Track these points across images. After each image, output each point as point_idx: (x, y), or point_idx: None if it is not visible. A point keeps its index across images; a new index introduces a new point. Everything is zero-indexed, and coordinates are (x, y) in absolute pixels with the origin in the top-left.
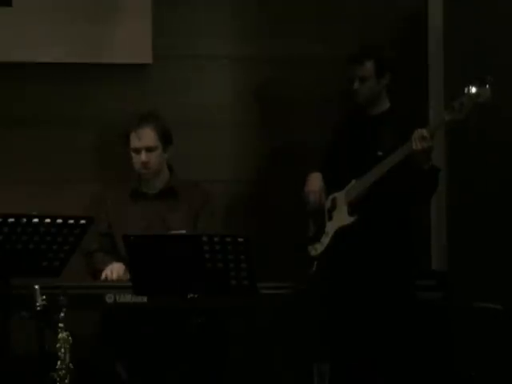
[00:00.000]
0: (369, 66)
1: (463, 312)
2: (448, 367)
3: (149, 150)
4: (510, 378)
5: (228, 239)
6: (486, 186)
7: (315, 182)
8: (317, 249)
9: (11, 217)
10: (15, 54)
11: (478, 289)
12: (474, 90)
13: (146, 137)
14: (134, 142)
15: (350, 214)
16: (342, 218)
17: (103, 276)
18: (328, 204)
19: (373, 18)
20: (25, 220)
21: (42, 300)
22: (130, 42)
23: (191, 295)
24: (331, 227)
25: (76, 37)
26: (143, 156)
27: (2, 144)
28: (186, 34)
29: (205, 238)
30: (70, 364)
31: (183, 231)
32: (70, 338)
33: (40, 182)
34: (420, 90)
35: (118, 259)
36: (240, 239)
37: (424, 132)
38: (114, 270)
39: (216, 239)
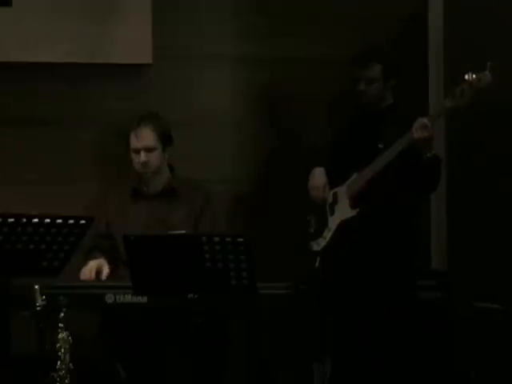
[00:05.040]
0: (377, 69)
1: (463, 312)
2: (448, 367)
3: (148, 150)
4: (510, 377)
5: (228, 239)
6: (486, 185)
7: (318, 177)
8: (319, 244)
9: (11, 217)
10: (15, 54)
11: (478, 289)
12: (474, 75)
13: (145, 137)
14: (134, 143)
15: (352, 206)
16: (344, 211)
17: (81, 278)
18: (329, 199)
19: (373, 19)
20: (25, 220)
21: (42, 300)
22: (130, 41)
23: (191, 295)
24: (333, 222)
25: (76, 37)
26: (142, 156)
27: (1, 144)
28: (186, 34)
29: (205, 238)
30: (70, 364)
31: (183, 231)
32: (69, 338)
33: (40, 181)
34: (420, 90)
35: (114, 259)
36: (240, 239)
37: (425, 120)
38: (93, 271)
39: (216, 239)
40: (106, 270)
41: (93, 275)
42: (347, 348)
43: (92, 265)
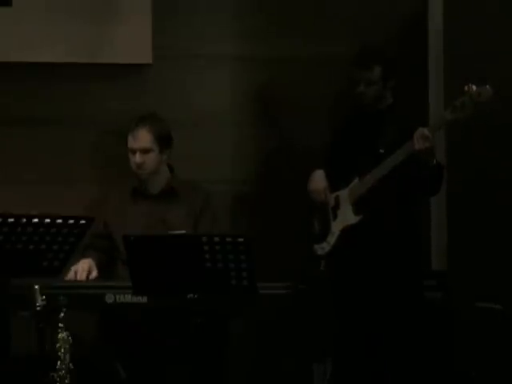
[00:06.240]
0: (377, 71)
1: (463, 312)
2: (448, 367)
3: (144, 151)
4: (509, 378)
5: (228, 239)
6: (486, 185)
7: (318, 180)
8: (324, 248)
9: (11, 217)
10: (15, 54)
11: (478, 289)
12: (474, 88)
13: (141, 138)
14: (130, 143)
15: (355, 213)
16: (346, 217)
17: (68, 276)
18: (332, 202)
19: (373, 19)
20: (25, 220)
21: (42, 300)
22: (130, 42)
23: (191, 295)
24: (336, 227)
25: (76, 37)
26: (137, 157)
27: (1, 144)
28: (186, 34)
29: (205, 238)
30: (70, 364)
31: (183, 231)
32: (69, 338)
33: (40, 181)
34: (420, 90)
35: (109, 258)
36: (240, 239)
37: (425, 131)
38: (79, 273)
39: (216, 239)
40: (94, 273)
41: (83, 277)
42: (349, 348)
43: (83, 266)
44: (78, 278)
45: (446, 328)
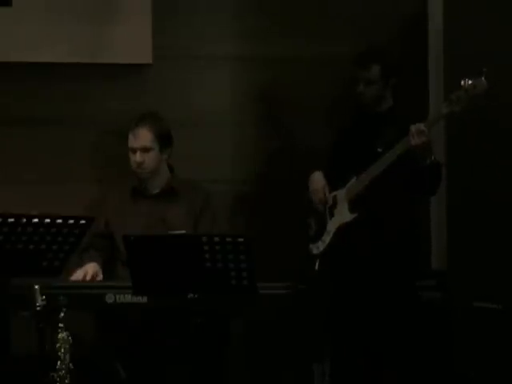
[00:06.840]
0: (376, 70)
1: (463, 312)
2: (447, 367)
3: (144, 150)
4: (509, 378)
5: (228, 239)
6: (486, 185)
7: (317, 180)
8: (319, 247)
9: (11, 217)
10: (15, 54)
11: (477, 289)
12: (470, 82)
13: (141, 137)
14: (131, 142)
15: (351, 211)
16: (343, 215)
17: (74, 278)
18: (329, 202)
19: (373, 19)
20: (25, 220)
21: (42, 300)
22: (130, 42)
23: (191, 295)
24: (332, 225)
25: (76, 37)
26: (138, 156)
27: (1, 144)
28: (186, 34)
29: (205, 238)
30: (70, 364)
31: (183, 231)
32: (69, 338)
33: (40, 181)
34: (420, 91)
35: (109, 258)
36: (240, 239)
37: (421, 126)
38: (88, 274)
39: (216, 239)
40: (99, 277)
41: (88, 277)
42: (347, 349)
43: (88, 271)
44: (87, 279)
45: (446, 328)
